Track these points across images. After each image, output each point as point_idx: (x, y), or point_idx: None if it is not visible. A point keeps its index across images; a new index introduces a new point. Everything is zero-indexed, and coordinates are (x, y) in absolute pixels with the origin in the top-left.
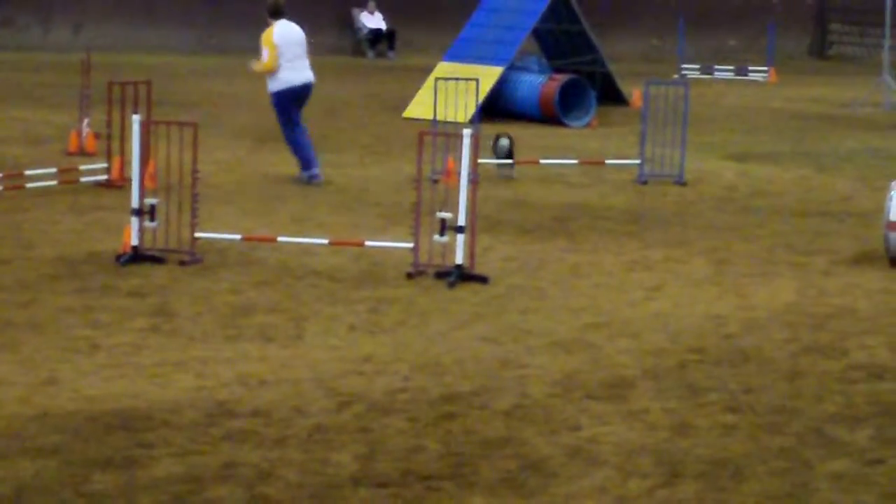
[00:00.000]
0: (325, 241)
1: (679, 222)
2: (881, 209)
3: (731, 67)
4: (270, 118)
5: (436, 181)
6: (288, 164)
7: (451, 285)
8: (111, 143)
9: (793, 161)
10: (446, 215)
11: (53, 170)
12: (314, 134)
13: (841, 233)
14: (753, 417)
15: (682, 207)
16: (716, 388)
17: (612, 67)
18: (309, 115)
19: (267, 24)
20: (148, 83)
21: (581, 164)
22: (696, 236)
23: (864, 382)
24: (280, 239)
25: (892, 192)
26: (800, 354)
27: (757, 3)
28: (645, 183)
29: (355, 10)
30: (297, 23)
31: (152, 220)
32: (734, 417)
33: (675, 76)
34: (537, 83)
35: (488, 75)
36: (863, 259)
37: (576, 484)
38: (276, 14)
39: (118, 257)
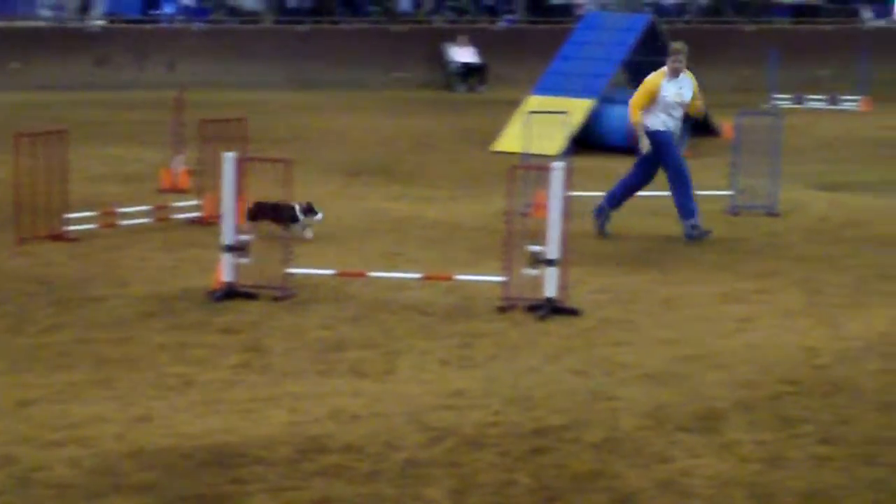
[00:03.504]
0: (417, 276)
1: (771, 253)
2: None
3: (822, 97)
4: (362, 153)
5: (525, 214)
6: (378, 198)
7: (542, 318)
8: (204, 180)
9: (885, 190)
10: (537, 248)
11: (147, 207)
12: (405, 168)
13: None
14: (847, 449)
15: (774, 238)
16: (808, 420)
17: (708, 99)
18: (399, 150)
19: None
20: (240, 120)
21: (669, 196)
22: (788, 267)
23: None
24: (371, 274)
25: None
26: (893, 385)
27: (847, 31)
28: (737, 214)
29: (445, 45)
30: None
31: (245, 256)
32: (827, 449)
33: (766, 106)
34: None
35: (578, 108)
36: None
37: None
38: None
39: (211, 294)
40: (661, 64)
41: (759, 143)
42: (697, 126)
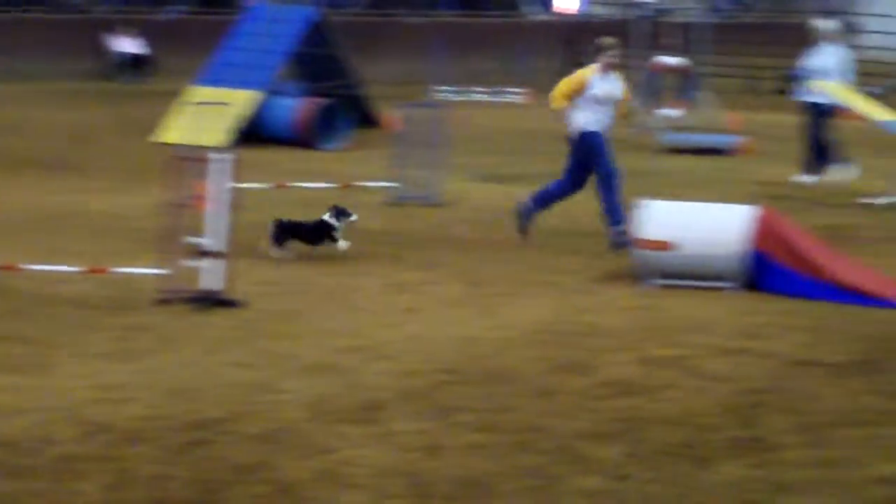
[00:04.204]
0: (75, 269)
1: (434, 244)
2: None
3: (487, 89)
4: (22, 145)
5: (184, 206)
6: (39, 191)
7: (203, 310)
8: None
9: (538, 181)
10: (198, 240)
11: None
12: (66, 160)
13: (592, 251)
14: (504, 436)
15: (437, 229)
16: (466, 408)
17: (372, 91)
18: (60, 142)
19: None
20: None
21: (336, 188)
22: (450, 258)
23: (614, 399)
24: (27, 267)
25: (639, 211)
26: (551, 372)
27: (511, 25)
28: (400, 205)
29: (106, 35)
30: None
31: None
32: (484, 437)
33: (430, 98)
34: (293, 107)
35: (243, 99)
36: (613, 277)
37: None
38: None
39: None
40: (328, 57)
41: (422, 134)
42: (365, 118)
